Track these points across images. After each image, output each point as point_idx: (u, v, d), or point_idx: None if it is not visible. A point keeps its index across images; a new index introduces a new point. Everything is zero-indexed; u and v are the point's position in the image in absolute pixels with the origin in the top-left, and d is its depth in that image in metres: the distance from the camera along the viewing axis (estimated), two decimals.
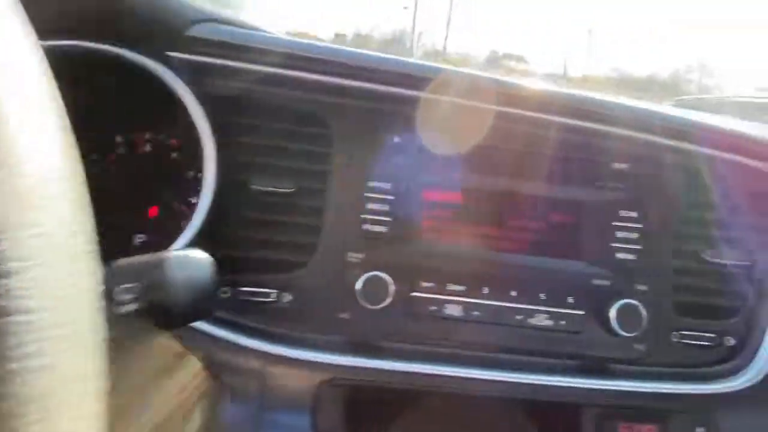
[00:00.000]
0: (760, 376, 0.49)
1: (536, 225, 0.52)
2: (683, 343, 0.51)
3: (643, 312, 0.49)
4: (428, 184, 0.52)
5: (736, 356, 0.51)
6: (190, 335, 0.46)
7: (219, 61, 0.49)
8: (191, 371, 0.48)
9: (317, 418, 0.45)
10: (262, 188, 0.50)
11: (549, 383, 0.48)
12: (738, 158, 0.52)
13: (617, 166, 0.53)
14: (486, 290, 0.51)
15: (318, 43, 0.50)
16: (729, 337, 0.52)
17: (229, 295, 0.49)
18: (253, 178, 0.50)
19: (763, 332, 0.51)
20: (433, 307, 0.50)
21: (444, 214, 0.52)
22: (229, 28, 0.49)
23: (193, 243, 0.47)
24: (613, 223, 0.52)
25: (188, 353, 0.48)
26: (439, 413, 0.50)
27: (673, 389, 0.48)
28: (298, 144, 0.51)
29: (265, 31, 0.51)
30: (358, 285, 0.47)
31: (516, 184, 0.52)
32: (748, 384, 0.49)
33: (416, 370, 0.47)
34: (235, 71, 0.49)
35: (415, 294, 0.50)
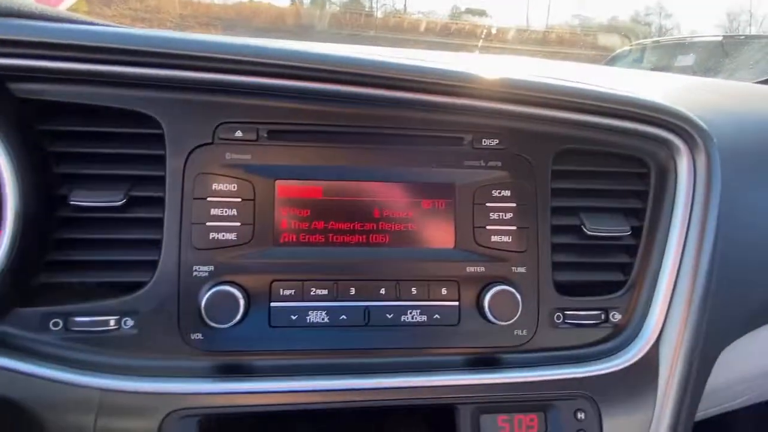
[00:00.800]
0: (642, 353, 0.47)
1: (402, 214, 0.48)
2: (568, 323, 0.49)
3: (518, 296, 0.46)
4: (280, 179, 0.47)
5: (622, 333, 0.49)
6: (5, 381, 0.40)
7: (16, 62, 0.42)
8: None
9: None
10: (84, 203, 0.44)
11: (427, 384, 0.45)
12: (597, 119, 0.48)
13: (486, 142, 0.49)
14: (352, 291, 0.47)
15: (130, 30, 0.43)
16: (615, 312, 0.50)
17: (60, 327, 0.43)
18: (74, 192, 0.44)
19: (648, 304, 0.49)
20: (294, 316, 0.45)
21: (300, 212, 0.47)
22: (23, 22, 0.42)
23: (5, 269, 0.40)
24: (487, 205, 0.48)
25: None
26: None
27: (556, 375, 0.46)
28: (125, 148, 0.45)
29: (71, 21, 0.44)
30: (202, 303, 0.43)
31: (378, 171, 0.48)
32: (631, 362, 0.47)
33: (277, 388, 0.43)
34: (39, 71, 0.43)
35: (273, 304, 0.45)
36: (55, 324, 0.43)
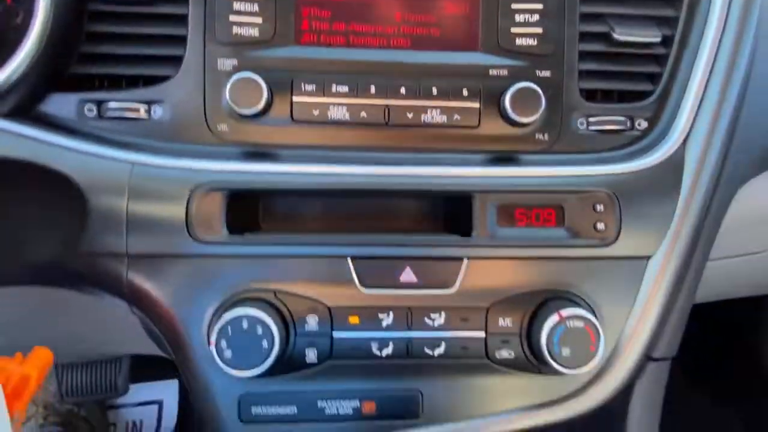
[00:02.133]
0: (667, 155, 0.46)
1: (425, 17, 0.47)
2: (592, 130, 0.48)
3: (541, 94, 0.45)
4: None
5: (647, 136, 0.48)
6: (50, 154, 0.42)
7: None
8: None
9: (191, 218, 0.42)
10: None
11: (446, 174, 0.45)
12: None
13: None
14: (373, 89, 0.47)
15: None
16: (641, 120, 0.48)
17: (95, 113, 0.45)
18: None
19: (675, 112, 0.48)
20: (316, 111, 0.46)
21: (321, 13, 0.47)
22: None
23: (38, 56, 0.42)
24: (512, 6, 0.47)
25: None
26: (324, 215, 0.47)
27: (576, 172, 0.45)
28: None
29: None
30: (227, 86, 0.44)
31: None
32: (655, 162, 0.46)
33: (300, 170, 0.44)
34: None
35: (295, 98, 0.46)
36: (89, 109, 0.45)
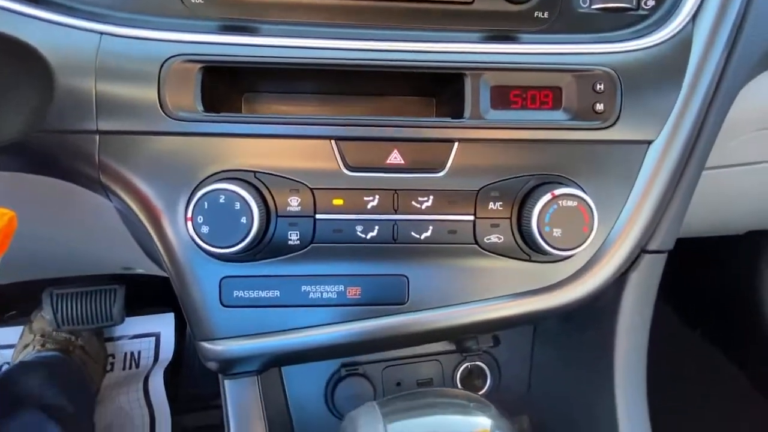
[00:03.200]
0: (673, 32, 0.43)
1: None
2: (594, 9, 0.45)
3: None
4: None
5: (653, 15, 0.44)
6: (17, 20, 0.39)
7: None
8: None
9: (163, 92, 0.40)
10: None
11: (436, 49, 0.42)
12: None
13: None
14: None
15: None
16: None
17: None
18: None
19: None
20: None
21: None
22: None
23: None
24: None
25: None
26: (307, 95, 0.45)
27: (575, 49, 0.42)
28: None
29: None
30: None
31: None
32: (661, 40, 0.43)
33: (282, 43, 0.41)
34: None
35: None
36: None
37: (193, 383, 1.24)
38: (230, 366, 0.45)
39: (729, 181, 0.63)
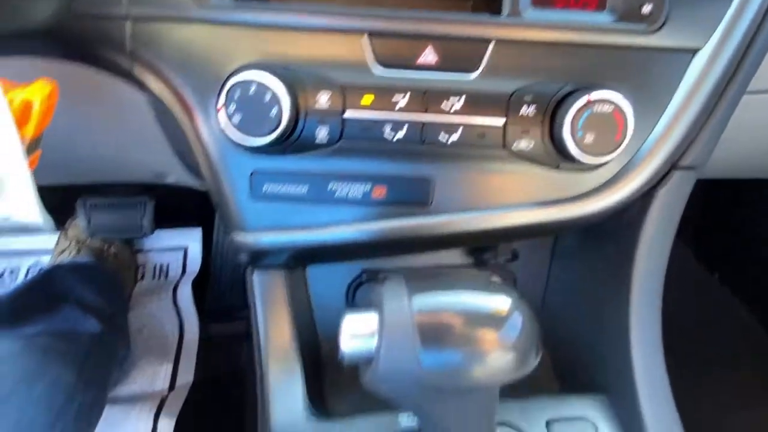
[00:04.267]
0: None
1: None
2: None
3: None
4: None
5: None
6: None
7: None
8: None
9: None
10: None
11: None
12: None
13: None
14: None
15: None
16: None
17: None
18: None
19: None
20: None
21: None
22: None
23: None
24: None
25: None
26: None
27: None
28: None
29: None
30: None
31: None
32: None
33: None
34: None
35: None
36: None
37: (219, 297, 1.30)
38: (259, 257, 0.47)
39: None
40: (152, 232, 1.18)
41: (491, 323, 0.30)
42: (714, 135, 0.45)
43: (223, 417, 1.09)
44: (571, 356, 0.55)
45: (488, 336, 0.29)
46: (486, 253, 0.57)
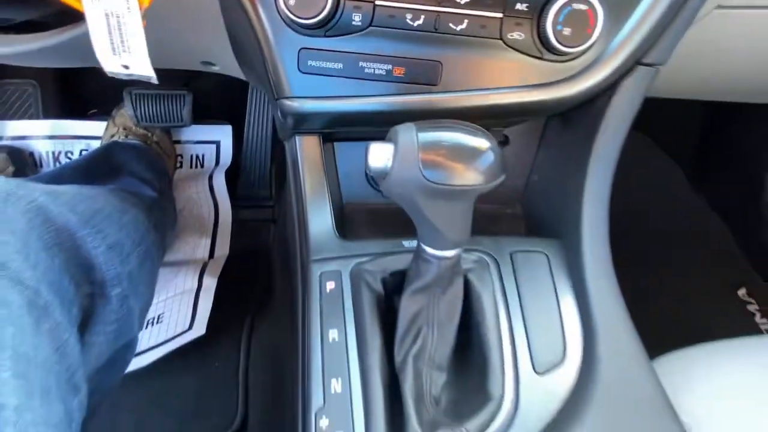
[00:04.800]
0: None
1: None
2: None
3: None
4: None
5: None
6: None
7: None
8: None
9: None
10: None
11: None
12: None
13: None
14: None
15: None
16: None
17: None
18: None
19: None
20: None
21: None
22: None
23: None
24: None
25: None
26: None
27: None
28: None
29: None
30: None
31: None
32: None
33: None
34: None
35: None
36: None
37: (248, 186, 1.46)
38: (301, 122, 0.60)
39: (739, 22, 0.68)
40: (190, 123, 1.31)
41: (473, 153, 0.43)
42: (673, 39, 0.55)
43: (254, 284, 1.28)
44: (539, 213, 0.69)
45: (470, 161, 0.42)
46: None
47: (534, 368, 0.51)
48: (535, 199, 0.72)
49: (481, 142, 0.43)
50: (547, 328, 0.53)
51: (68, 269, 0.49)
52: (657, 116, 1.70)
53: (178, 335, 1.12)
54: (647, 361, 0.52)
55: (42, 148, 1.35)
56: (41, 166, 1.35)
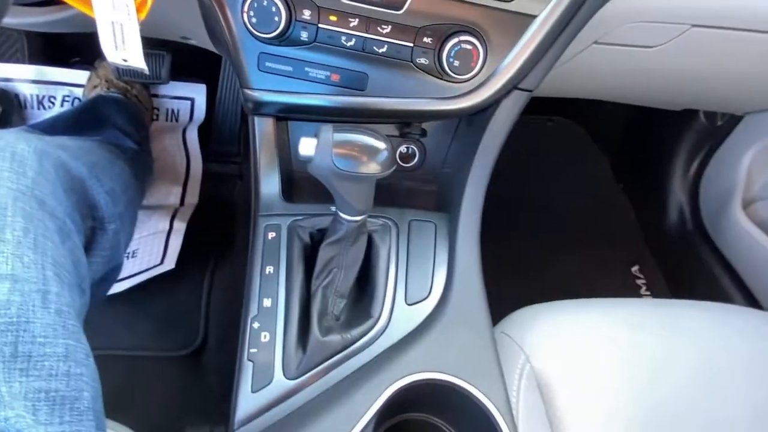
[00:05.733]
0: None
1: None
2: None
3: None
4: None
5: None
6: None
7: None
8: None
9: None
10: None
11: None
12: None
13: None
14: None
15: None
16: None
17: None
18: None
19: None
20: None
21: None
22: None
23: None
24: None
25: None
26: None
27: None
28: None
29: None
30: None
31: None
32: None
33: None
34: None
35: None
36: None
37: (219, 142, 1.61)
38: (259, 108, 0.77)
39: (618, 57, 0.88)
40: (168, 81, 1.44)
41: (373, 151, 0.61)
42: (543, 69, 0.74)
43: (219, 230, 1.46)
44: (445, 191, 0.89)
45: (370, 156, 0.61)
46: (406, 128, 0.88)
47: (406, 300, 0.72)
48: (444, 180, 0.92)
49: (379, 144, 0.62)
50: (422, 275, 0.74)
51: (79, 208, 0.66)
52: (593, 112, 1.92)
53: (151, 268, 1.30)
54: (484, 300, 0.73)
55: (27, 91, 1.46)
56: (26, 107, 1.46)
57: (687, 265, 1.56)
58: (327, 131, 0.61)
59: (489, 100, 0.74)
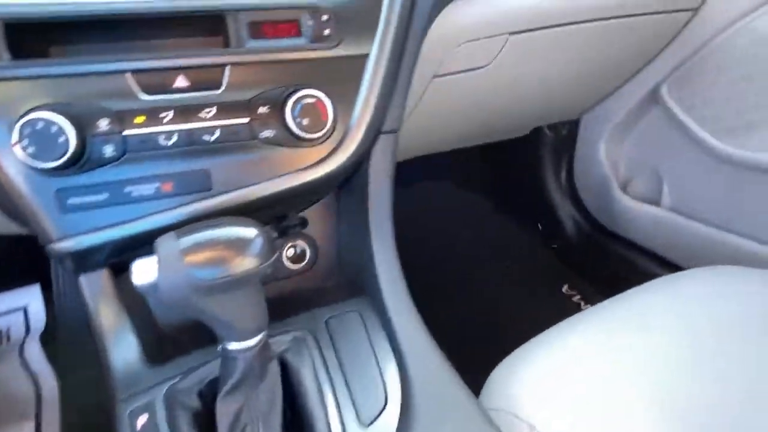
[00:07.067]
0: None
1: None
2: None
3: None
4: None
5: None
6: None
7: None
8: None
9: None
10: None
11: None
12: None
13: None
14: None
15: None
16: None
17: None
18: None
19: None
20: None
21: None
22: None
23: None
24: None
25: None
26: (104, 39, 0.57)
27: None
28: None
29: None
30: None
31: None
32: None
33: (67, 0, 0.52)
34: None
35: None
36: None
37: (72, 341, 1.29)
38: (82, 260, 0.57)
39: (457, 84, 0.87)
40: None
41: (243, 242, 0.46)
42: (398, 108, 0.68)
43: None
44: (353, 277, 0.74)
45: (241, 249, 0.45)
46: (282, 222, 0.74)
47: (360, 421, 0.53)
48: (347, 266, 0.78)
49: (247, 231, 0.47)
50: (368, 381, 0.56)
51: None
52: (458, 158, 1.98)
53: None
54: (456, 379, 0.57)
55: None
56: None
57: (604, 263, 1.57)
58: (168, 240, 0.44)
59: (358, 152, 0.64)
